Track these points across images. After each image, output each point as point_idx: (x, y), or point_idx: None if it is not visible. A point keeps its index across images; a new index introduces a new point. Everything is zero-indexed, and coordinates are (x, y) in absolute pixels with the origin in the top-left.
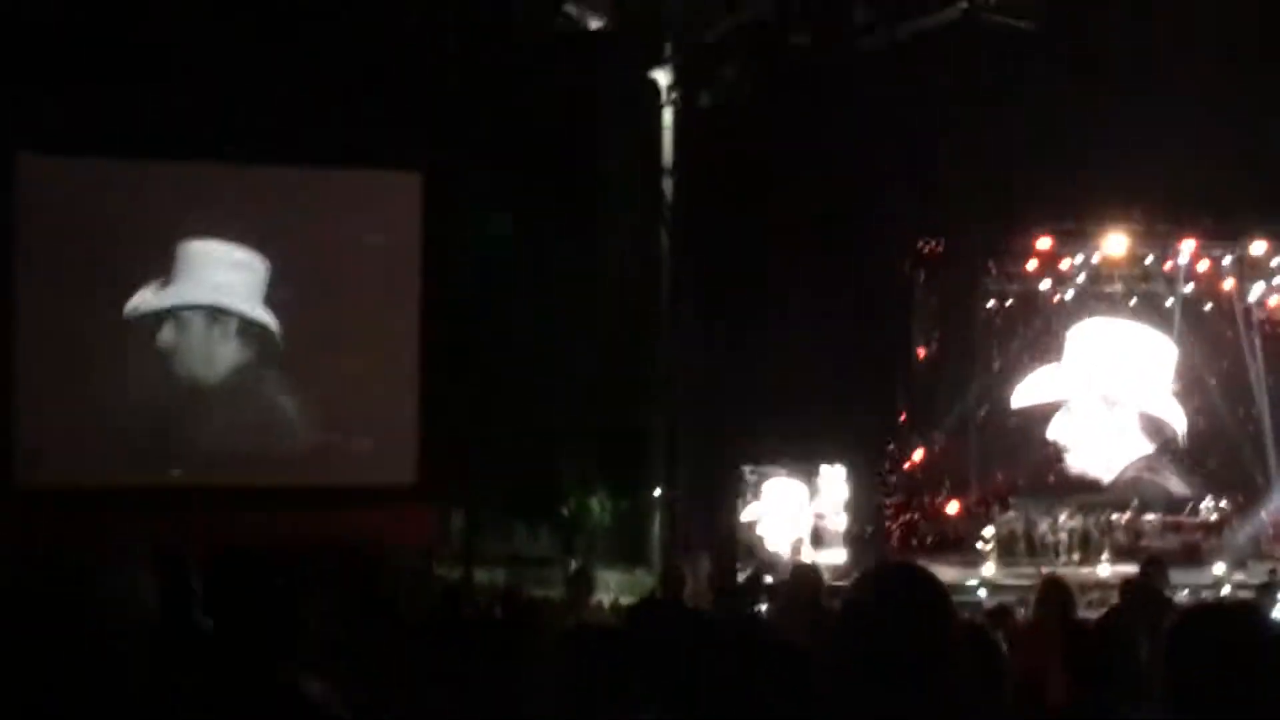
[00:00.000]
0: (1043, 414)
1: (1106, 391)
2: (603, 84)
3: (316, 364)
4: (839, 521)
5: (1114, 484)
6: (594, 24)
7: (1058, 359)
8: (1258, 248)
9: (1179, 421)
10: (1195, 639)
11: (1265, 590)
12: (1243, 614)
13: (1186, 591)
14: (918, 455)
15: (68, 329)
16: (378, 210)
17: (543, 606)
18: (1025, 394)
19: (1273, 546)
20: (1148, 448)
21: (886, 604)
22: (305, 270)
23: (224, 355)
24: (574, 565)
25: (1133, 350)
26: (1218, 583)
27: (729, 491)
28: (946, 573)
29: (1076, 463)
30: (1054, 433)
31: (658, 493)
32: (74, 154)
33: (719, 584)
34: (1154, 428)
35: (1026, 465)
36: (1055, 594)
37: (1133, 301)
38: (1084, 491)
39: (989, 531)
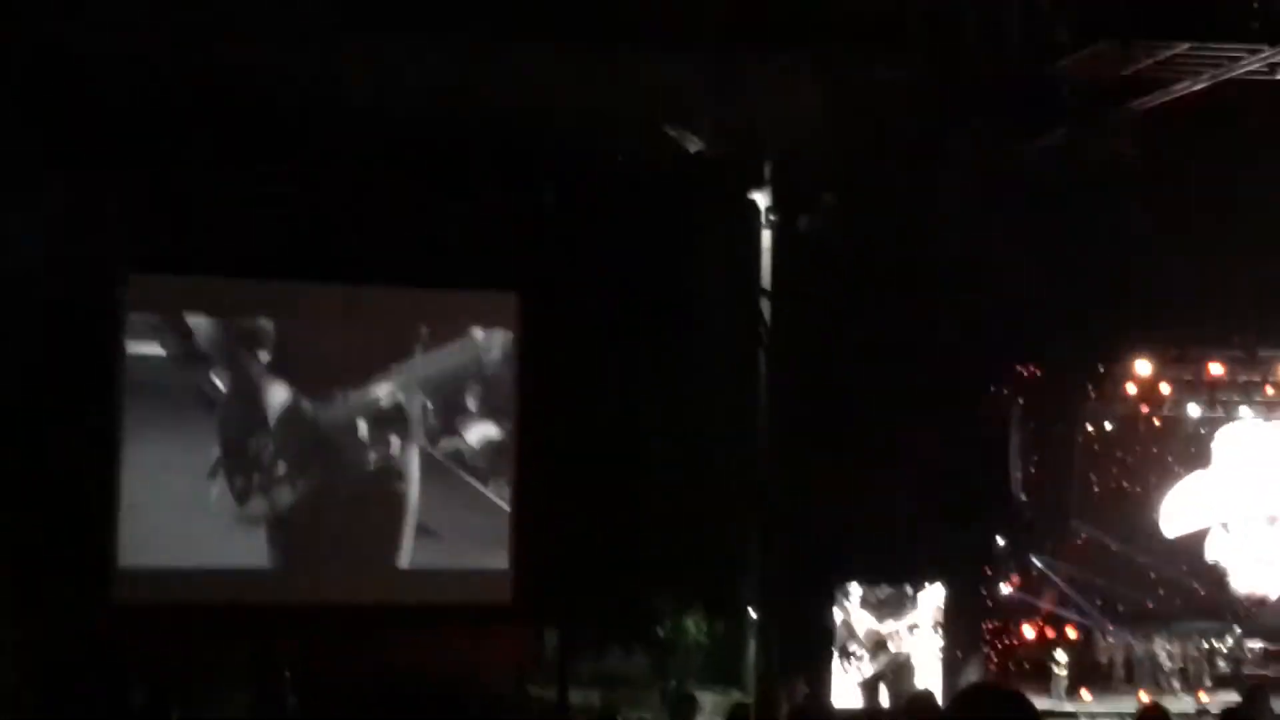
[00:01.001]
0: (1147, 535)
1: (1270, 508)
2: (701, 205)
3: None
4: (932, 646)
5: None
6: (694, 147)
7: (1157, 482)
8: None
9: None
10: None
11: None
12: None
13: None
14: (1016, 580)
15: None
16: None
17: None
18: (1176, 512)
19: None
20: None
21: None
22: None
23: None
24: (674, 685)
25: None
26: None
27: (823, 615)
28: (1041, 701)
29: (1240, 584)
30: (1213, 553)
31: (753, 614)
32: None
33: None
34: None
35: (1127, 589)
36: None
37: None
38: (1189, 617)
39: (1062, 656)
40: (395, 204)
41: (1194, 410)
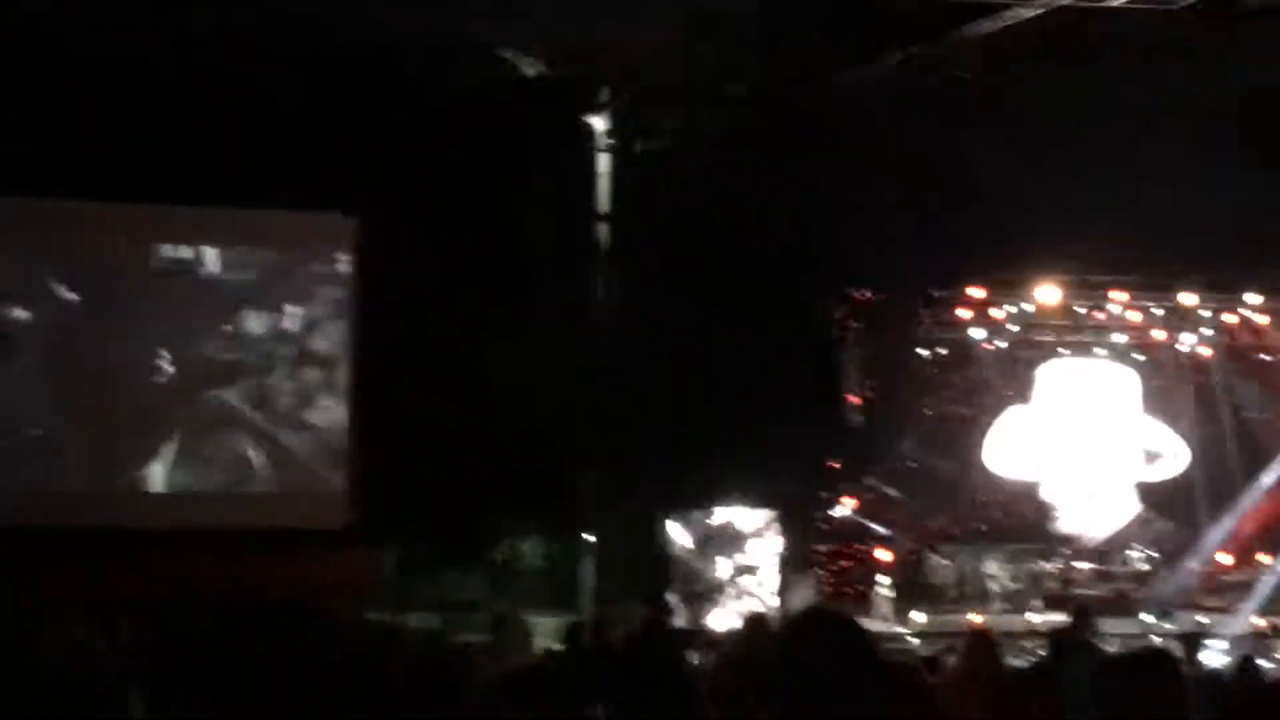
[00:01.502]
0: (973, 461)
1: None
2: (538, 129)
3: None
4: (770, 568)
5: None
6: (530, 70)
7: (991, 406)
8: (1188, 299)
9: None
10: (1118, 687)
11: (1190, 640)
12: (1164, 663)
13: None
14: (851, 503)
15: None
16: (312, 253)
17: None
18: (1000, 446)
19: (1201, 597)
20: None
21: (812, 651)
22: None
23: None
24: (502, 612)
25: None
26: (1145, 632)
27: (660, 536)
28: (870, 624)
29: (1068, 524)
30: (1047, 492)
31: (589, 538)
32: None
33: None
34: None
35: (958, 513)
36: (981, 645)
37: (1064, 351)
38: (1017, 539)
39: (885, 579)
40: (234, 128)
41: (1026, 335)
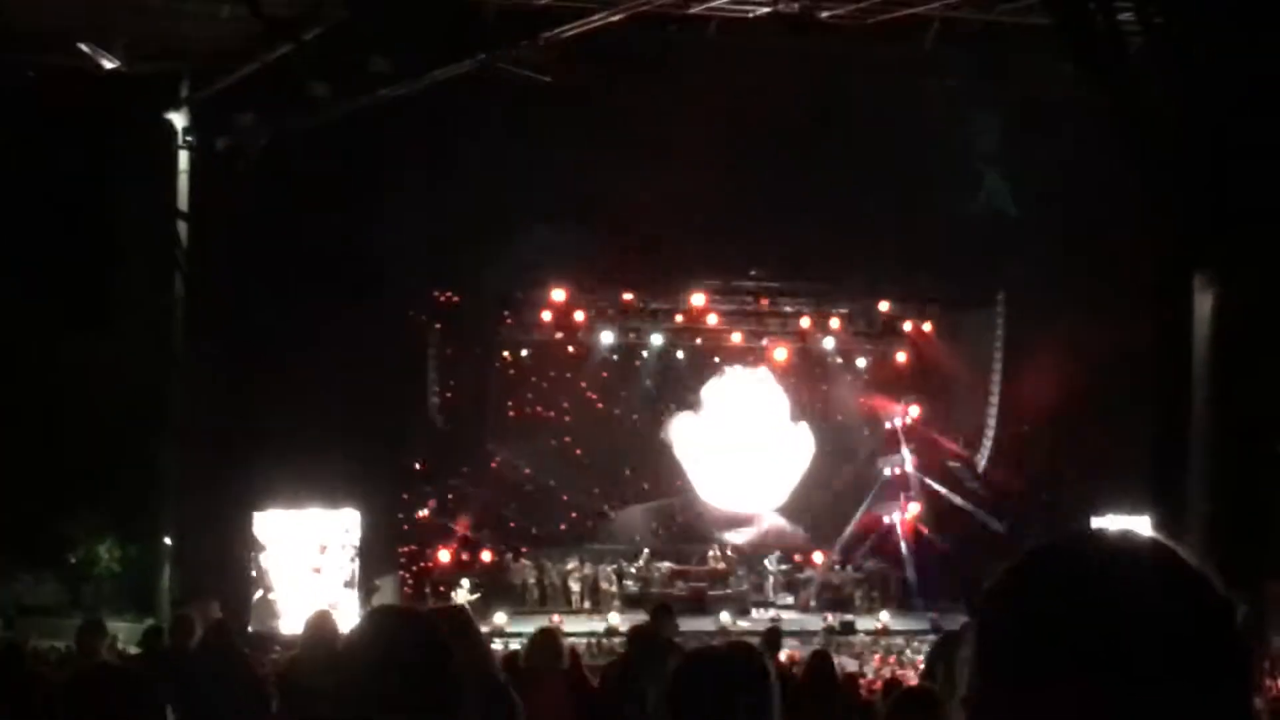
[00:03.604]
0: (559, 459)
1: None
2: (119, 125)
3: None
4: (349, 568)
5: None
6: (108, 64)
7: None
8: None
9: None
10: (697, 681)
11: (768, 637)
12: (742, 656)
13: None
14: (431, 503)
15: None
16: None
17: (48, 658)
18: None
19: (777, 595)
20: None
21: (384, 648)
22: None
23: None
24: (84, 617)
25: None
26: (723, 630)
27: (239, 538)
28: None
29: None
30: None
31: (167, 541)
32: None
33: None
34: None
35: (540, 513)
36: (547, 643)
37: (644, 353)
38: (603, 541)
39: (466, 581)
40: None
41: (607, 337)
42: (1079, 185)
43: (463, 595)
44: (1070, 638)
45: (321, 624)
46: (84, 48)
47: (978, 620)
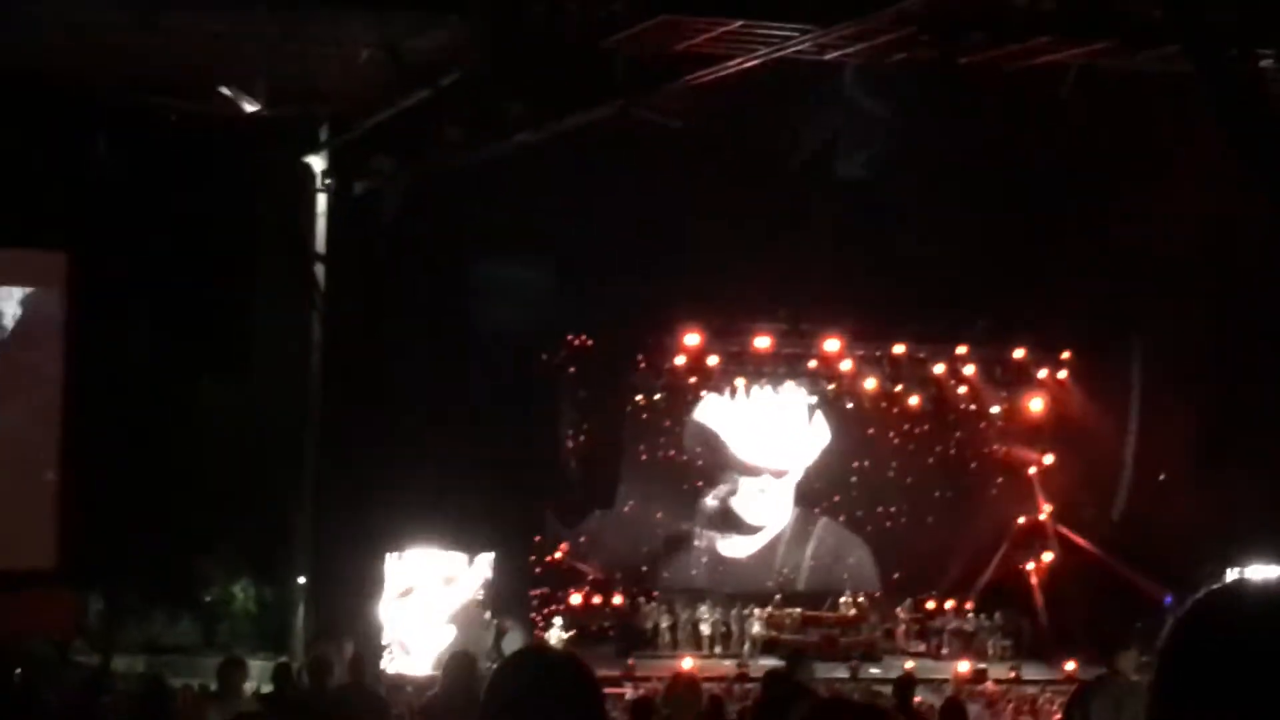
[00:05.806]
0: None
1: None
2: (258, 167)
3: None
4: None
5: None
6: (249, 108)
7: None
8: (898, 349)
9: None
10: None
11: (900, 685)
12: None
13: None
14: (564, 547)
15: None
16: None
17: (185, 695)
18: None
19: (909, 642)
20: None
21: (531, 691)
22: None
23: None
24: (226, 655)
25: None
26: (854, 677)
27: (372, 579)
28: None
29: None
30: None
31: (301, 581)
32: None
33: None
34: None
35: (673, 557)
36: (685, 690)
37: (778, 397)
38: (734, 585)
39: (559, 620)
40: None
41: (740, 382)
42: (1213, 231)
43: (554, 635)
44: (1236, 682)
45: (462, 664)
46: (225, 91)
47: (1154, 671)
